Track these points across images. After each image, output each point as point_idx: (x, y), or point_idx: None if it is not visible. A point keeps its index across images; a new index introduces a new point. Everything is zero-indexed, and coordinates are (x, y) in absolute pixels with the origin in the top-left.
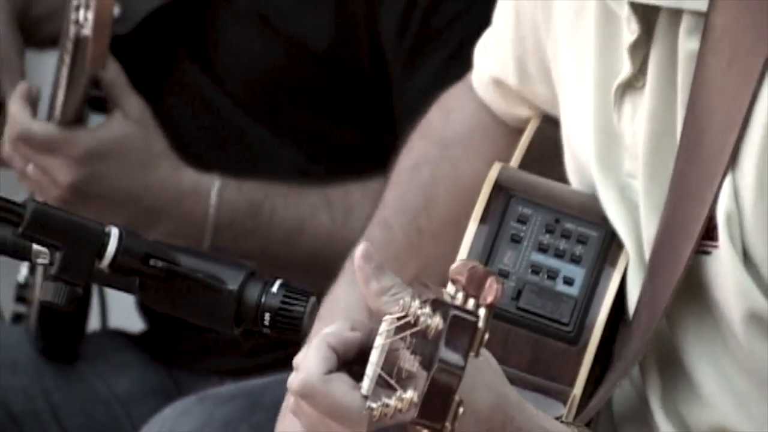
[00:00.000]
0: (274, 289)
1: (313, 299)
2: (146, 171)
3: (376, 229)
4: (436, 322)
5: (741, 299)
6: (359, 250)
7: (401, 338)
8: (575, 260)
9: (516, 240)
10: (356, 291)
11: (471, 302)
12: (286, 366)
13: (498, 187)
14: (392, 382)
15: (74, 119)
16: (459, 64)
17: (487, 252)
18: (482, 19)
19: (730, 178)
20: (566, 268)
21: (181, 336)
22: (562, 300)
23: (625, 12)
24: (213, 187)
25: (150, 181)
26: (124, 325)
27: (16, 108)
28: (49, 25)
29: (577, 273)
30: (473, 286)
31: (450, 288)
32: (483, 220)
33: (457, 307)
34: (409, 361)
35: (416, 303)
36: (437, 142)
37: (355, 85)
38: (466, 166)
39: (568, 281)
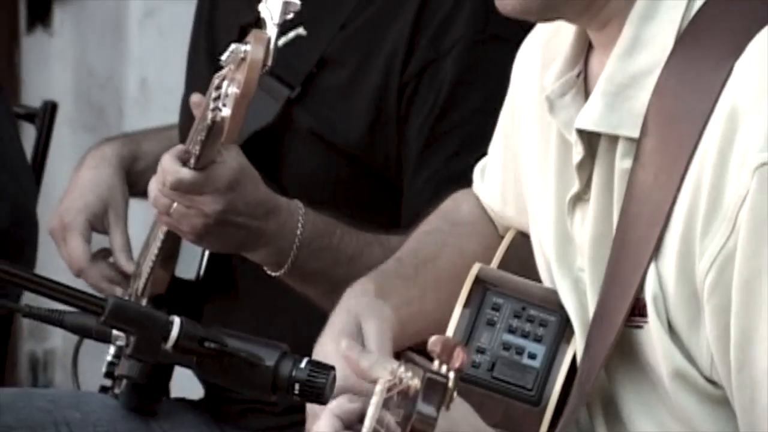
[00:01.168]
0: (302, 364)
1: (333, 372)
2: (257, 189)
3: (391, 261)
4: (416, 383)
5: (667, 361)
6: (342, 346)
7: (390, 396)
8: (537, 339)
9: (491, 323)
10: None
11: (444, 368)
12: None
13: (477, 282)
14: (382, 431)
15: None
16: (459, 160)
17: (468, 333)
18: (478, 129)
19: (654, 267)
20: (530, 346)
21: (230, 399)
22: (527, 371)
23: (573, 137)
24: (300, 207)
25: (259, 197)
26: (187, 392)
27: (169, 163)
28: (148, 178)
29: (539, 350)
30: (445, 355)
31: (436, 363)
32: (466, 305)
33: (431, 371)
34: (396, 414)
35: (401, 369)
36: (448, 221)
37: (385, 182)
38: (467, 242)
39: (532, 356)
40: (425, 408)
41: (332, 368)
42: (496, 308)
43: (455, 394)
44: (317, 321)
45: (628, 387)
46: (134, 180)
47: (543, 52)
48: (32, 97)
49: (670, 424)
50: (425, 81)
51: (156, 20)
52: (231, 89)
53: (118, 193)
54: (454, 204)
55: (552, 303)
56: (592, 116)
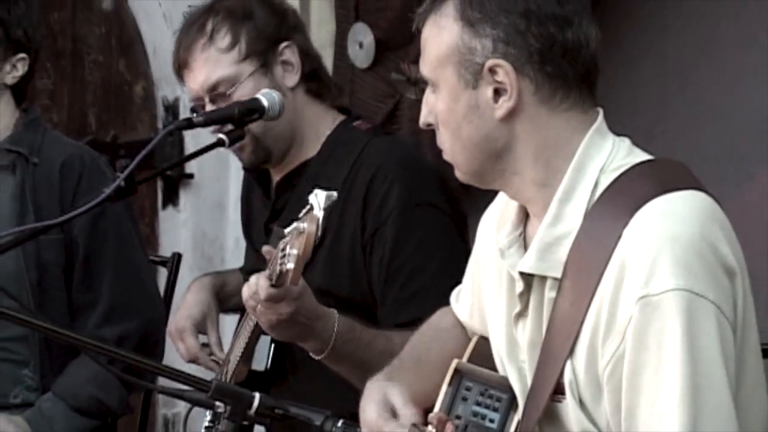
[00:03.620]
0: (339, 424)
1: (359, 429)
2: (312, 301)
3: (396, 361)
4: None
5: (578, 424)
6: (374, 416)
7: None
8: (495, 410)
9: (465, 399)
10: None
11: None
12: None
13: (456, 372)
14: None
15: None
16: (408, 287)
17: (449, 404)
18: (416, 266)
19: (570, 363)
20: (490, 414)
21: None
22: (488, 431)
23: (516, 276)
24: (335, 313)
25: (313, 306)
26: None
27: (262, 282)
28: (234, 300)
29: (496, 416)
30: (440, 427)
31: (430, 427)
32: (449, 385)
33: None
34: None
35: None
36: (434, 329)
37: (362, 311)
38: (447, 344)
39: (492, 421)
40: None
41: (359, 426)
42: (468, 389)
43: None
44: (346, 396)
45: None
46: (221, 299)
47: (498, 217)
48: (165, 250)
49: None
50: (375, 241)
51: None
52: (293, 251)
53: (213, 308)
54: (440, 317)
55: (505, 386)
56: (529, 263)
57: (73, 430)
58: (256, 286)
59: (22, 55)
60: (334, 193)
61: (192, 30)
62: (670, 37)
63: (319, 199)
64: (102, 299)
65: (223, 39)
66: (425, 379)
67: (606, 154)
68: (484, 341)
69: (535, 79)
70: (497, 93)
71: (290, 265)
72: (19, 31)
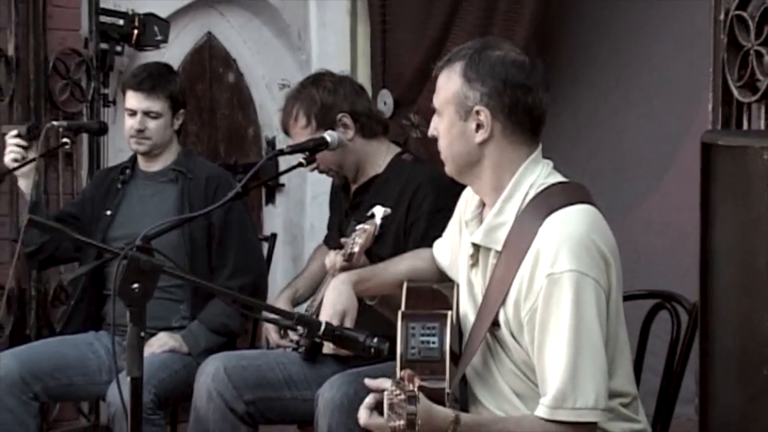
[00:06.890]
0: (375, 340)
1: (387, 343)
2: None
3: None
4: (401, 395)
5: (510, 346)
6: (367, 383)
7: (393, 399)
8: (433, 335)
9: (413, 335)
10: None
11: (410, 385)
12: (384, 360)
13: (403, 316)
14: (394, 416)
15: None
16: (425, 237)
17: (405, 340)
18: (429, 230)
19: (503, 308)
20: (431, 339)
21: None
22: (433, 349)
23: (470, 243)
24: None
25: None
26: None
27: (339, 258)
28: (306, 295)
29: (435, 340)
30: (411, 380)
31: (405, 381)
32: (401, 328)
33: (409, 390)
34: (400, 408)
35: (394, 387)
36: (421, 258)
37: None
38: (420, 263)
39: (433, 343)
40: (410, 407)
41: (387, 342)
42: (413, 327)
43: (420, 396)
44: (384, 328)
45: (495, 355)
46: (297, 299)
47: (470, 198)
48: (267, 231)
49: (514, 374)
50: (412, 229)
51: (318, 200)
52: (359, 240)
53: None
54: (423, 250)
55: (435, 318)
56: (479, 237)
57: (210, 343)
58: (335, 260)
59: (182, 110)
60: (389, 210)
61: (285, 112)
62: (583, 85)
63: (377, 212)
64: (229, 263)
65: (301, 120)
66: (390, 277)
67: (536, 176)
68: (412, 288)
69: (503, 123)
70: (478, 126)
71: (356, 249)
72: (181, 97)
